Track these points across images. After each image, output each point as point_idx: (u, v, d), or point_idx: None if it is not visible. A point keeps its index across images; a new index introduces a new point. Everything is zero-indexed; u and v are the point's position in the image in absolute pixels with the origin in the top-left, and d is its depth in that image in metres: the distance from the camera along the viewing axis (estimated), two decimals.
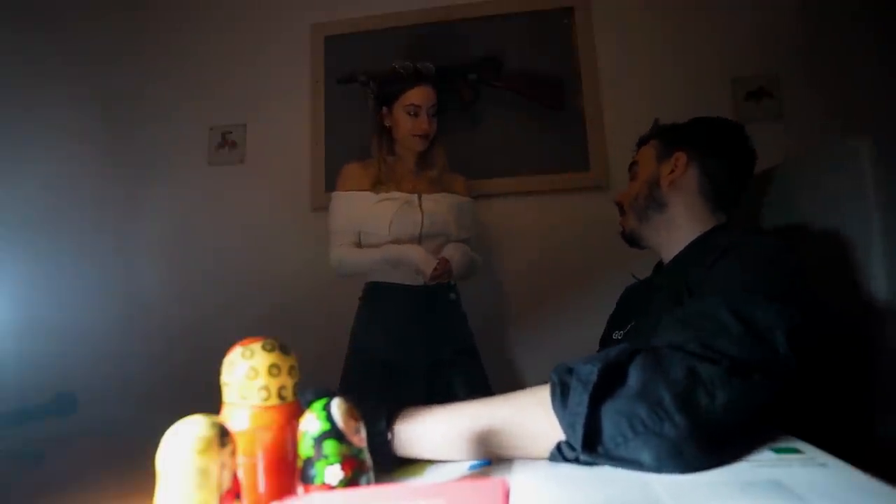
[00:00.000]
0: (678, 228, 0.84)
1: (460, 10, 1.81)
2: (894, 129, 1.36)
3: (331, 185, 1.63)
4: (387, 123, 1.32)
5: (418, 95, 1.27)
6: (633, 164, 0.93)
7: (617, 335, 0.88)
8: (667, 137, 0.88)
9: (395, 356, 1.26)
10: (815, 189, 0.81)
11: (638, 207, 0.88)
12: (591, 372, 0.46)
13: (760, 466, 0.43)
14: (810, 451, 0.46)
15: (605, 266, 1.14)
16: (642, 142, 0.93)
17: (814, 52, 1.65)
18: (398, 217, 1.26)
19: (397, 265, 1.24)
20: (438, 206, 1.30)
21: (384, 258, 1.25)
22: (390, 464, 0.52)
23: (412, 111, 1.27)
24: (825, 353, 0.59)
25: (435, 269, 1.20)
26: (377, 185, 1.29)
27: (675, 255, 0.84)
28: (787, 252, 0.63)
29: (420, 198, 1.30)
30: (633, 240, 0.92)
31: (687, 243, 0.82)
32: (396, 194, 1.28)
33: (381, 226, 1.26)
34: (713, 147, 0.85)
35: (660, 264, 0.90)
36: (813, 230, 0.78)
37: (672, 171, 0.84)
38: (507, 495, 0.31)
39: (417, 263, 1.22)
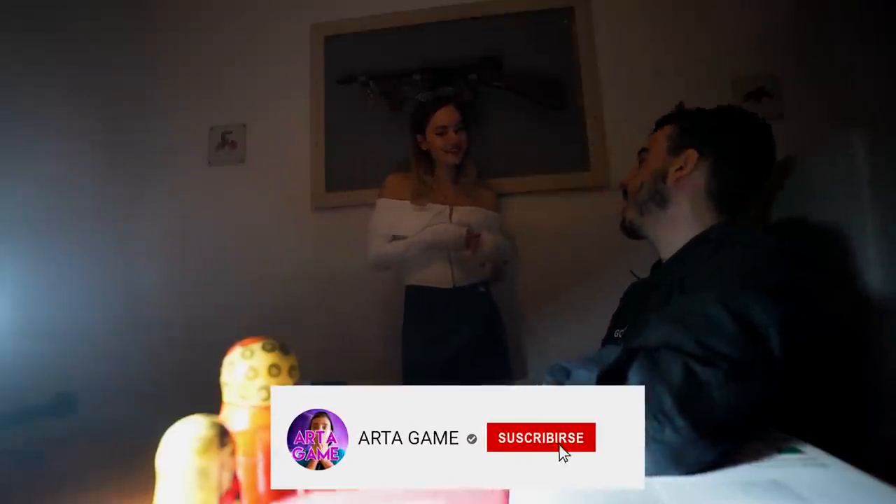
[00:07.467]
0: (678, 227, 0.80)
1: (460, 10, 1.80)
2: (893, 127, 1.36)
3: (331, 185, 1.79)
4: (423, 147, 1.48)
5: (443, 117, 1.43)
6: (644, 149, 0.87)
7: (618, 334, 0.87)
8: (683, 128, 0.83)
9: (437, 356, 1.37)
10: (811, 184, 0.80)
11: (640, 199, 0.84)
12: (588, 379, 0.46)
13: (760, 466, 0.43)
14: (810, 451, 0.46)
15: (606, 266, 1.14)
16: (659, 125, 0.87)
17: (814, 52, 1.65)
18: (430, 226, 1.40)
19: (432, 246, 1.37)
20: (468, 219, 1.43)
21: (419, 240, 1.38)
22: None
23: (440, 131, 1.43)
24: (822, 349, 0.58)
25: (467, 244, 1.34)
26: (416, 198, 1.44)
27: (672, 253, 0.81)
28: (783, 247, 0.62)
29: (451, 210, 1.44)
30: (631, 231, 0.88)
31: (685, 241, 0.79)
32: (429, 206, 1.43)
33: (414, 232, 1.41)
34: (730, 147, 0.79)
35: (658, 263, 0.88)
36: (808, 226, 0.78)
37: (680, 169, 0.80)
38: (507, 495, 0.31)
39: (447, 242, 1.35)
